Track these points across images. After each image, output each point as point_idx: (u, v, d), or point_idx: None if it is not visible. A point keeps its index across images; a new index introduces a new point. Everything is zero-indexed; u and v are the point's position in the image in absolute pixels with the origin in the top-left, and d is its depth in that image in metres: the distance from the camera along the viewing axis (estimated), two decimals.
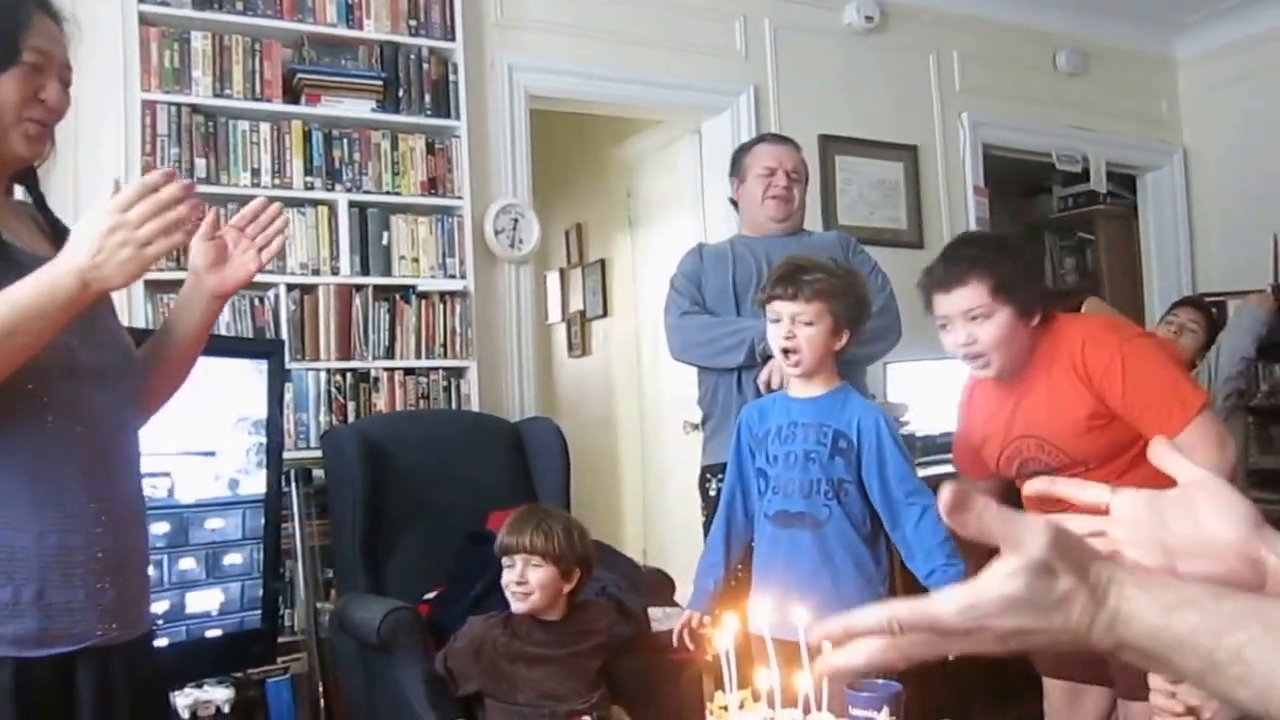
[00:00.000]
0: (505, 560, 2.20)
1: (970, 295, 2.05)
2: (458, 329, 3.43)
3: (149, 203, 1.21)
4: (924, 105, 4.56)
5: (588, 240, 5.43)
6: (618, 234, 5.08)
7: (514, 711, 2.19)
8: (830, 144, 4.25)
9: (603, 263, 5.24)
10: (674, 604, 2.74)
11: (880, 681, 1.84)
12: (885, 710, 1.60)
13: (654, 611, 2.60)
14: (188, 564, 2.54)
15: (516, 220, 3.65)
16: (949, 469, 3.71)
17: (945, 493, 0.66)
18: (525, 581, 2.18)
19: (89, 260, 1.20)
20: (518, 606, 2.20)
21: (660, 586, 2.83)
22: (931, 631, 0.67)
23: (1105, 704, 2.04)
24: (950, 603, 0.66)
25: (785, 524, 2.18)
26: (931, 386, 3.93)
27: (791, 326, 2.15)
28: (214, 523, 2.59)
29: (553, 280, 5.68)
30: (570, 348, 5.59)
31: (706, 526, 2.72)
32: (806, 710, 1.35)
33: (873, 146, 4.37)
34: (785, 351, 2.18)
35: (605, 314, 5.24)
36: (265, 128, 3.22)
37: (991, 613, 0.65)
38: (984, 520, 0.66)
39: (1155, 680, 1.57)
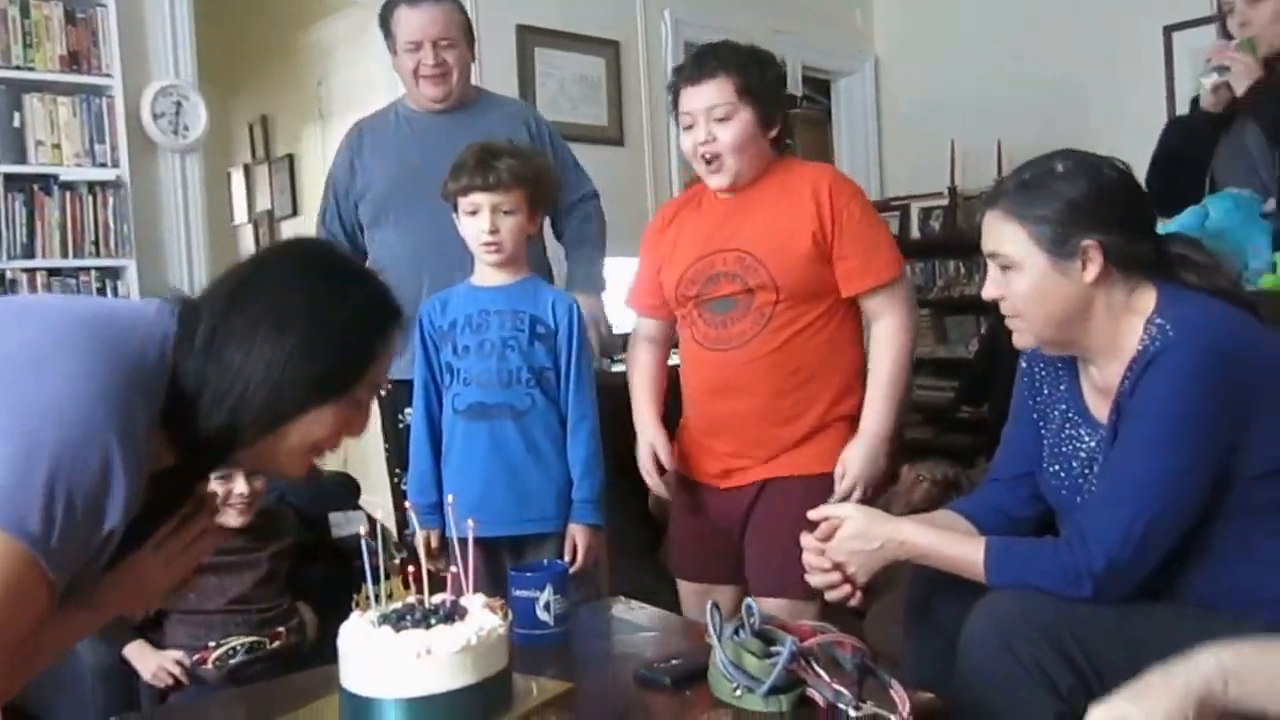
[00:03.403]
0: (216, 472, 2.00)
1: (716, 91, 2.00)
2: (111, 224, 3.09)
3: None
4: (627, 0, 4.46)
5: (275, 134, 5.04)
6: (309, 127, 4.73)
7: (202, 620, 2.07)
8: (530, 35, 4.09)
9: (291, 158, 4.88)
10: (357, 508, 2.62)
11: (545, 561, 1.83)
12: (549, 589, 1.56)
13: (334, 516, 2.50)
14: None
15: (180, 104, 3.28)
16: None
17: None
18: (241, 494, 2.08)
19: None
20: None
21: (341, 491, 2.69)
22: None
23: (736, 600, 2.07)
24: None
25: (482, 416, 2.09)
26: (625, 282, 3.91)
27: (493, 219, 2.06)
28: None
29: (237, 178, 5.24)
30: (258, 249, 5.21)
31: (386, 431, 2.61)
32: (459, 593, 1.27)
33: (574, 40, 4.24)
34: (486, 245, 2.07)
35: (296, 213, 4.89)
36: None
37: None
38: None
39: (807, 540, 1.61)
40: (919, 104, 5.29)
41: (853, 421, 2.07)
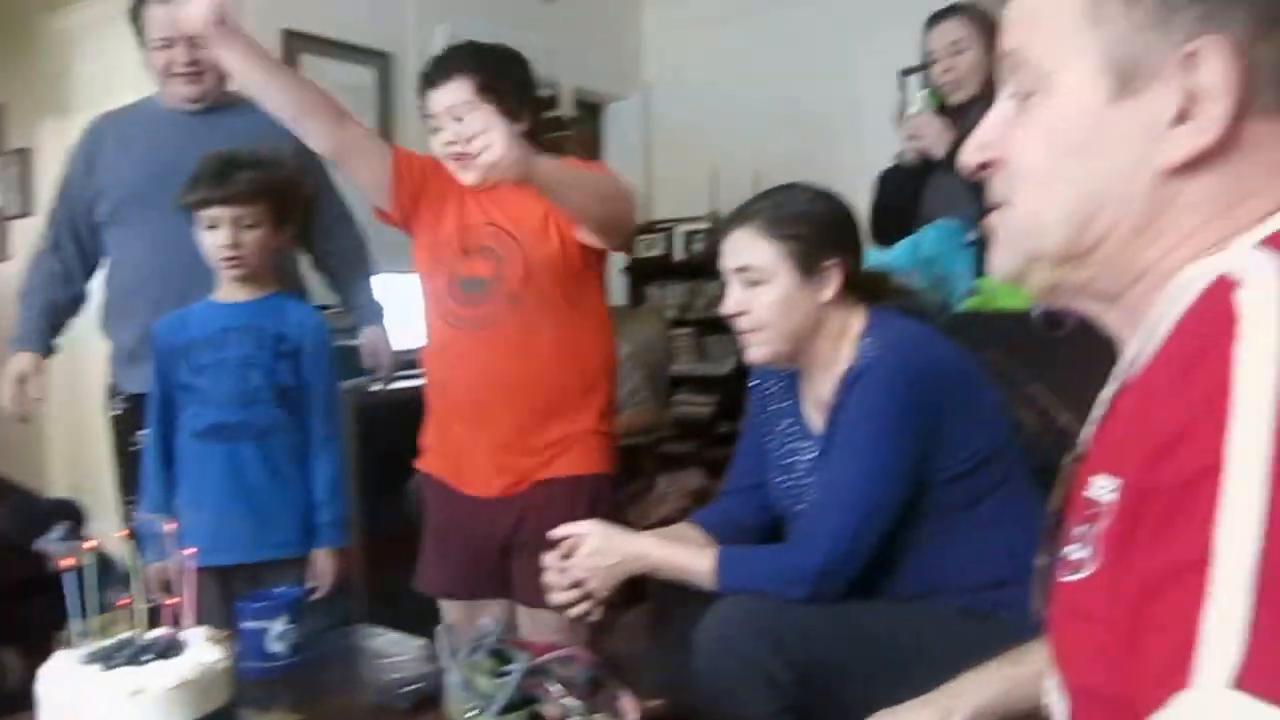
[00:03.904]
0: None
1: (455, 91, 1.96)
2: None
3: None
4: (398, 11, 4.40)
5: (8, 126, 4.68)
6: (47, 120, 4.41)
7: None
8: (296, 41, 3.96)
9: (25, 152, 4.54)
10: (80, 537, 2.47)
11: (276, 589, 1.77)
12: (283, 618, 1.53)
13: (53, 547, 2.33)
14: None
15: None
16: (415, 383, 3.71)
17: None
18: None
19: None
20: None
21: (64, 517, 2.52)
22: None
23: (511, 614, 2.06)
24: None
25: (220, 438, 2.01)
26: (395, 299, 3.86)
27: (234, 233, 1.98)
28: None
29: None
30: None
31: (119, 453, 2.48)
32: (177, 625, 1.22)
33: (343, 49, 4.15)
34: (227, 260, 2.00)
35: (28, 213, 4.55)
36: None
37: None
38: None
39: (547, 559, 1.65)
40: (685, 130, 5.48)
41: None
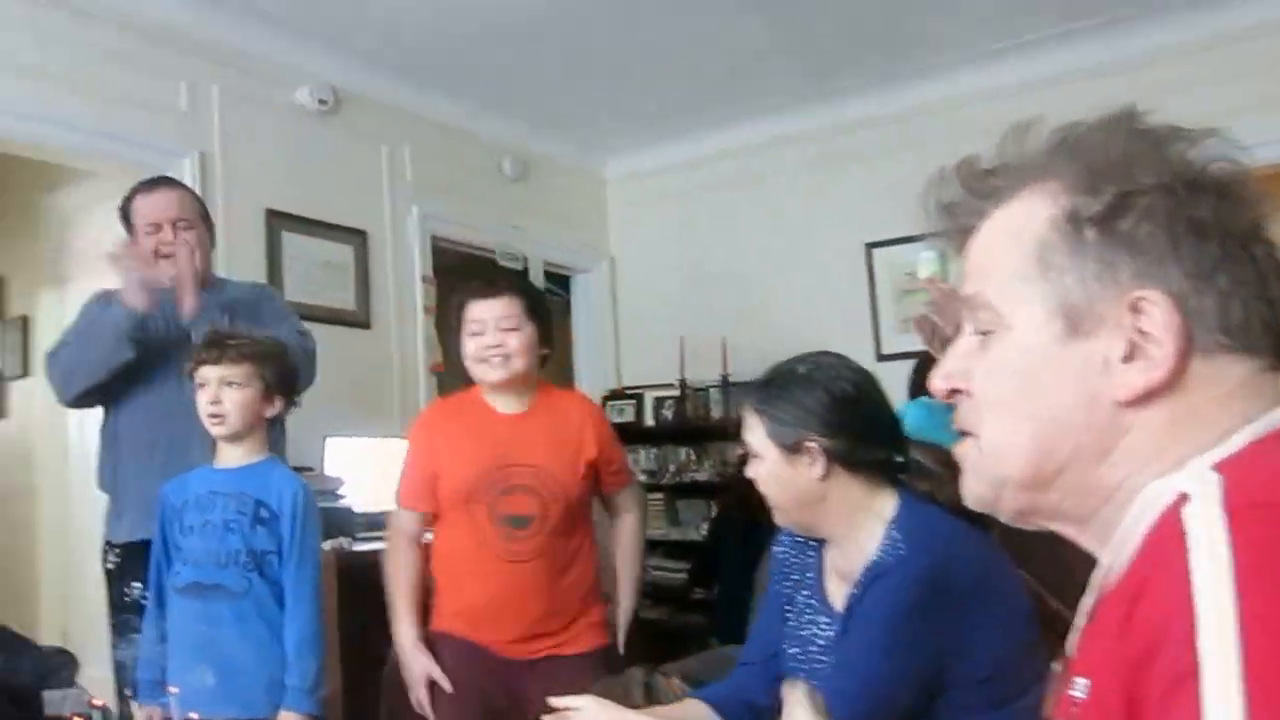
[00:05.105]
0: None
1: (507, 305, 2.43)
2: None
3: None
4: (375, 193, 4.68)
5: (8, 295, 4.95)
6: (44, 290, 4.69)
7: None
8: (278, 220, 4.23)
9: (25, 319, 4.80)
10: (74, 685, 2.57)
11: None
12: None
13: (49, 694, 2.44)
14: None
15: None
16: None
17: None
18: None
19: None
20: None
21: (60, 667, 2.63)
22: None
23: None
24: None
25: (199, 596, 2.14)
26: (369, 463, 4.03)
27: (217, 390, 2.17)
28: None
29: None
30: None
31: (113, 603, 2.61)
32: None
33: (322, 227, 4.40)
34: (211, 416, 2.19)
35: (26, 374, 4.78)
36: None
37: None
38: None
39: None
40: (651, 300, 5.72)
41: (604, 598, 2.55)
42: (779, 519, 1.73)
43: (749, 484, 1.74)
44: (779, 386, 1.68)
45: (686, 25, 4.30)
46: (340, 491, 3.82)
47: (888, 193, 4.80)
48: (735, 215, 5.48)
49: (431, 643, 2.43)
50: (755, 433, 1.68)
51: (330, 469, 3.94)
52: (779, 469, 1.65)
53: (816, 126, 5.20)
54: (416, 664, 2.40)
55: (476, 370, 2.46)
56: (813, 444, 1.61)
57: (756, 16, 4.24)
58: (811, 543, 1.77)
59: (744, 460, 1.74)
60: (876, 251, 4.98)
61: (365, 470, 3.97)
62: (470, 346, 2.44)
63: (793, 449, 1.63)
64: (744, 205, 5.45)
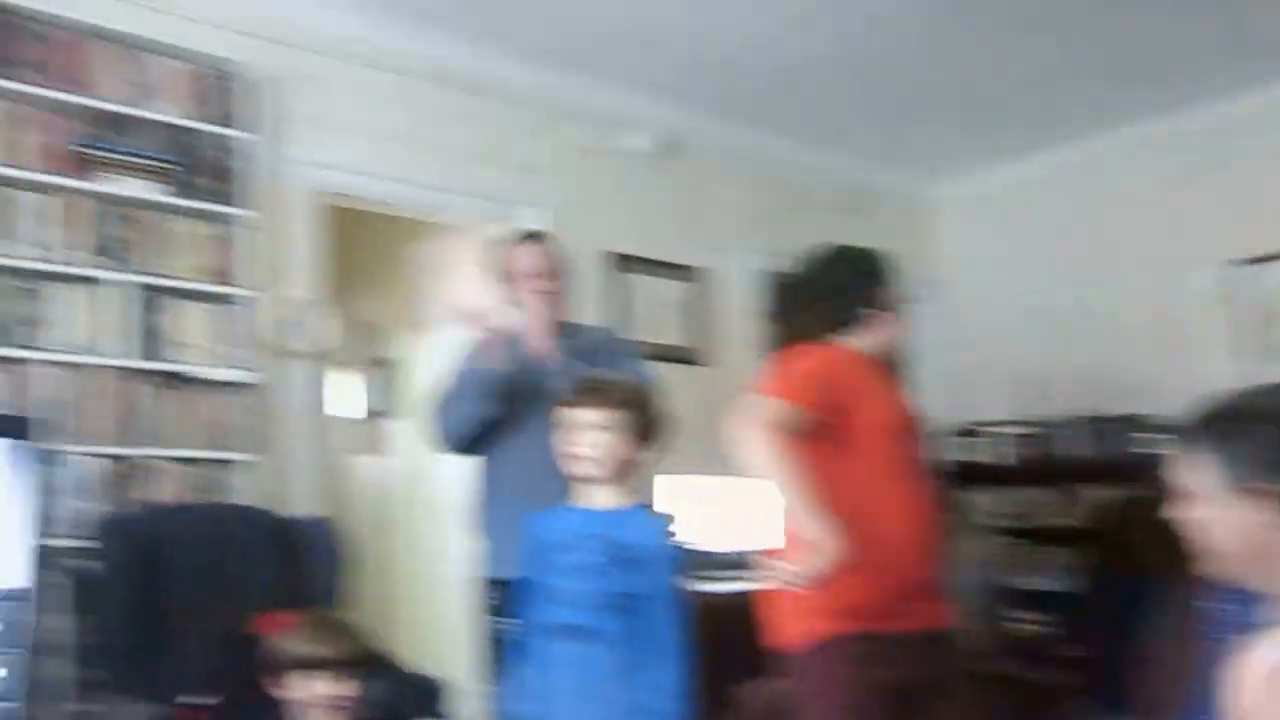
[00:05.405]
0: (299, 672, 2.11)
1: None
2: (238, 421, 3.33)
3: None
4: (711, 231, 4.79)
5: (382, 339, 5.40)
6: (413, 335, 5.07)
7: None
8: (620, 262, 4.40)
9: (397, 362, 5.21)
10: (439, 715, 2.68)
11: None
12: None
13: None
14: None
15: (306, 314, 3.60)
16: (718, 586, 3.83)
17: None
18: (345, 696, 2.10)
19: None
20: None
21: (423, 695, 2.75)
22: None
23: None
24: None
25: (570, 637, 2.14)
26: (707, 502, 4.03)
27: (584, 433, 2.20)
28: None
29: (344, 377, 5.59)
30: (361, 446, 5.48)
31: (484, 640, 2.69)
32: None
33: (661, 267, 4.55)
34: (579, 460, 2.21)
35: (397, 414, 5.19)
36: (49, 201, 3.12)
37: None
38: None
39: None
40: (986, 332, 5.45)
41: None
42: (1217, 570, 1.52)
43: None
44: (1234, 422, 1.48)
45: (1017, 44, 4.14)
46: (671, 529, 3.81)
47: (1249, 206, 4.34)
48: (1076, 237, 5.17)
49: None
50: (1200, 474, 1.48)
51: (659, 506, 3.95)
52: (1229, 514, 1.45)
53: (1163, 137, 4.83)
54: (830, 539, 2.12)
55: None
56: (1271, 488, 1.42)
57: (1086, 31, 4.02)
58: (1245, 594, 1.54)
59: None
60: (1238, 270, 4.49)
61: (695, 508, 3.97)
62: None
63: (1247, 492, 1.43)
64: (1085, 226, 5.13)
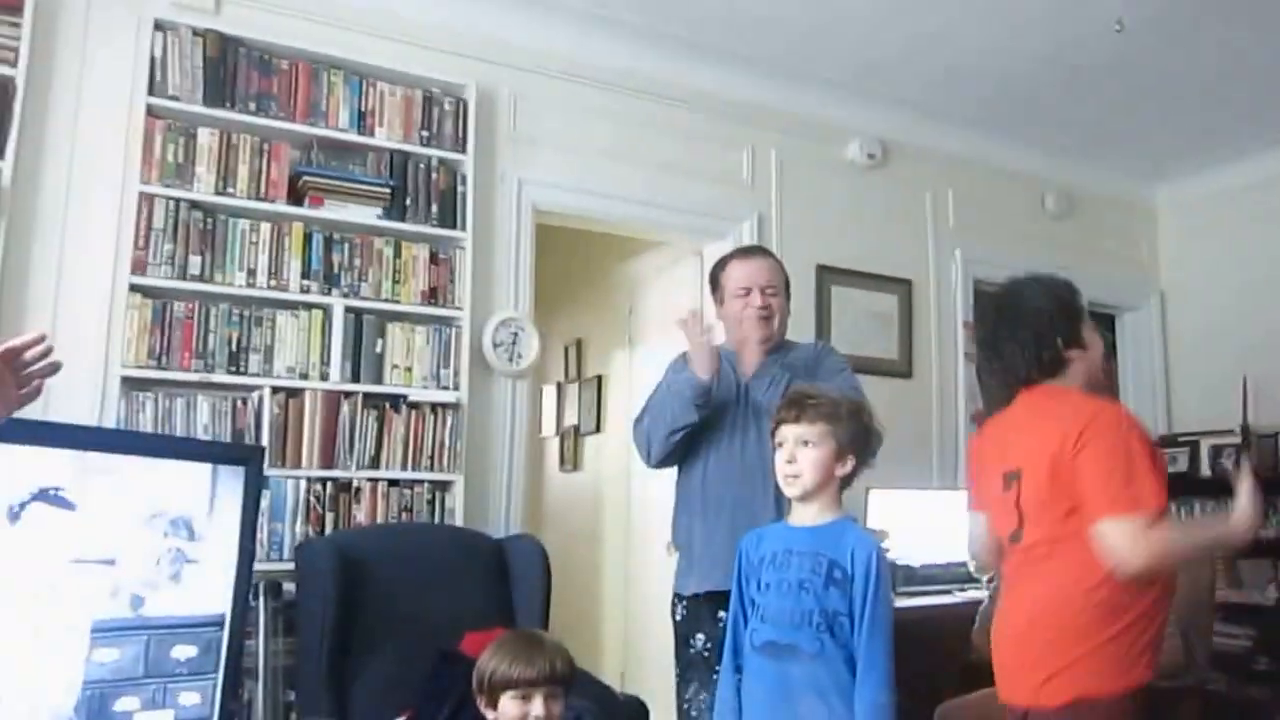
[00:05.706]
0: (512, 692, 2.14)
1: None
2: (447, 441, 3.40)
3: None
4: (919, 240, 4.67)
5: (587, 356, 5.48)
6: (617, 351, 5.12)
7: None
8: (828, 274, 4.34)
9: (599, 379, 5.27)
10: None
11: None
12: None
13: None
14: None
15: (516, 334, 3.68)
16: (927, 600, 3.70)
17: None
18: (551, 715, 2.13)
19: None
20: None
21: (636, 716, 2.74)
22: None
23: None
24: None
25: (774, 655, 2.10)
26: (914, 516, 3.91)
27: (793, 449, 2.16)
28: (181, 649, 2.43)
29: (549, 394, 5.71)
30: (562, 462, 5.59)
31: (678, 654, 2.69)
32: None
33: (868, 279, 4.46)
34: (786, 475, 2.18)
35: (598, 429, 5.25)
36: (265, 228, 3.25)
37: None
38: None
39: None
40: (1207, 338, 5.18)
41: None
42: None
43: None
44: None
45: (1238, 40, 3.86)
46: (884, 545, 3.70)
47: None
48: None
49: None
50: None
51: (873, 521, 3.86)
52: None
53: None
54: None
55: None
56: None
57: None
58: None
59: None
60: None
61: (908, 523, 3.86)
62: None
63: None
64: None
